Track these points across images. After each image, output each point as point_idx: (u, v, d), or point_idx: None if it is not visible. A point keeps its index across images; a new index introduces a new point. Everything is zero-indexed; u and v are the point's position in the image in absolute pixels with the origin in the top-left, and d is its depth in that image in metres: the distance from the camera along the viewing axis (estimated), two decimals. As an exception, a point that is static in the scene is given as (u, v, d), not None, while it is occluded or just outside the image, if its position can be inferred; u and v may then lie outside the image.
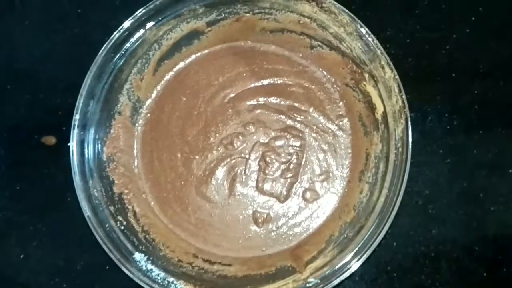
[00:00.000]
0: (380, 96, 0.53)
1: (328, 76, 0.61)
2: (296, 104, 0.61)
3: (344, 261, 0.51)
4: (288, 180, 0.59)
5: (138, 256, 0.53)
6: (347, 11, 0.53)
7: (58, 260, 0.62)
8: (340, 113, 0.60)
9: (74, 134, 0.53)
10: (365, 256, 0.51)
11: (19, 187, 0.63)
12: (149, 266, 0.53)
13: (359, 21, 0.52)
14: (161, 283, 0.52)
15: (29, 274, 0.62)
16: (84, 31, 0.65)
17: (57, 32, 0.66)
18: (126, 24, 0.54)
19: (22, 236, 0.62)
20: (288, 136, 0.60)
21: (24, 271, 0.62)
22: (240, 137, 0.60)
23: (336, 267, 0.51)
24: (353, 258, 0.51)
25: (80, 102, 0.53)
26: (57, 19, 0.66)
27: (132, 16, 0.54)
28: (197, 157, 0.60)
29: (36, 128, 0.64)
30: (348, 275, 0.51)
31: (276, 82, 0.61)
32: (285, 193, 0.59)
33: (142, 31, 0.55)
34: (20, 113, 0.65)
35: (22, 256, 0.62)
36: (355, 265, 0.51)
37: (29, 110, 0.65)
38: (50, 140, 0.63)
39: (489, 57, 0.64)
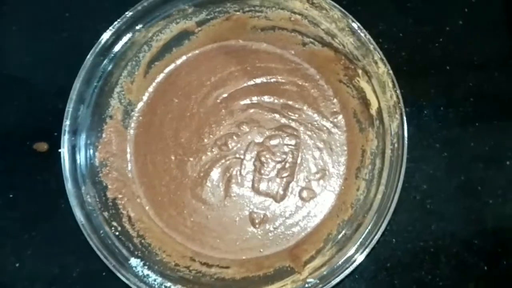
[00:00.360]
0: (374, 92, 0.53)
1: (321, 73, 0.60)
2: (290, 102, 0.60)
3: (342, 260, 0.51)
4: (284, 179, 0.58)
5: (134, 261, 0.52)
6: (338, 6, 0.52)
7: (54, 267, 0.61)
8: (335, 110, 0.60)
9: (65, 140, 0.52)
10: (364, 254, 0.50)
11: (12, 195, 0.62)
12: (146, 272, 0.52)
13: (350, 16, 0.52)
14: (158, 288, 0.51)
15: (25, 283, 0.61)
16: (72, 35, 0.64)
17: (45, 37, 0.65)
18: (114, 26, 0.53)
19: (17, 244, 0.62)
20: (282, 135, 0.59)
21: (20, 280, 0.61)
22: (234, 137, 0.59)
23: (335, 266, 0.51)
24: (351, 256, 0.50)
25: (70, 107, 0.52)
26: (45, 24, 0.65)
27: (120, 18, 0.53)
28: (191, 159, 0.59)
29: (27, 135, 0.63)
30: (347, 274, 0.50)
31: (269, 81, 0.60)
32: (281, 192, 0.58)
33: (131, 33, 0.54)
34: (11, 120, 0.64)
35: (17, 265, 0.61)
36: (354, 264, 0.50)
37: (20, 116, 0.64)
38: (42, 146, 0.62)
39: (483, 48, 0.64)
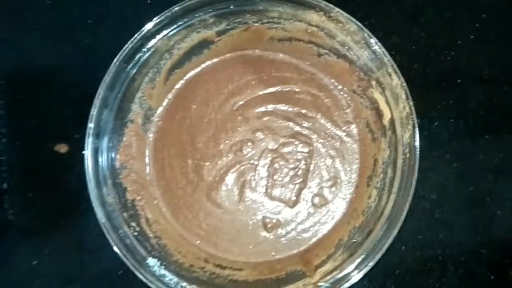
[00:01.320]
0: (388, 103, 0.54)
1: (336, 83, 0.62)
2: (304, 111, 0.62)
3: (353, 265, 0.52)
4: (297, 185, 0.60)
5: (151, 261, 0.54)
6: (354, 20, 0.54)
7: (71, 266, 0.62)
8: (348, 119, 0.61)
9: (89, 142, 0.54)
10: (374, 261, 0.52)
11: (31, 195, 0.64)
12: (162, 271, 0.54)
13: (366, 30, 0.53)
14: (174, 288, 0.53)
15: (42, 281, 0.62)
16: (94, 41, 0.66)
17: (67, 42, 0.67)
18: (139, 34, 0.55)
19: (35, 243, 0.63)
20: (296, 143, 0.61)
21: (38, 278, 0.62)
22: (249, 143, 0.61)
23: (346, 271, 0.52)
24: (362, 262, 0.52)
25: (94, 111, 0.54)
26: (68, 29, 0.67)
27: (145, 27, 0.55)
28: (207, 163, 0.60)
29: (48, 137, 0.64)
30: (357, 279, 0.52)
31: (284, 90, 0.62)
32: (294, 198, 0.60)
33: (154, 41, 0.56)
34: (32, 122, 0.65)
35: (35, 263, 0.62)
36: (364, 270, 0.52)
37: (41, 119, 0.65)
38: (63, 148, 0.64)
39: (494, 62, 0.65)
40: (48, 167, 0.64)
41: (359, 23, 0.54)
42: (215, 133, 0.61)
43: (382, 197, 0.55)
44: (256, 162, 0.61)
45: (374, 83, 0.56)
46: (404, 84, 0.53)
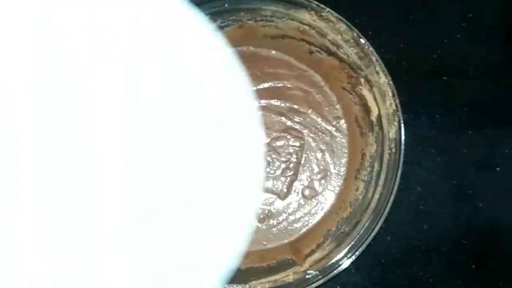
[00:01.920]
0: (375, 100, 0.56)
1: (326, 80, 0.64)
2: (296, 106, 0.63)
3: (341, 254, 0.54)
4: (288, 178, 0.62)
5: (148, 250, 0.56)
6: (344, 20, 0.55)
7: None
8: (337, 115, 0.64)
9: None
10: (360, 250, 0.54)
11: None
12: (159, 260, 0.56)
13: (355, 29, 0.55)
14: (171, 275, 0.55)
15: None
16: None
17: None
18: (136, 31, 0.56)
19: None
20: (288, 137, 0.63)
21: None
22: (242, 137, 0.63)
23: (334, 259, 0.54)
24: (349, 251, 0.54)
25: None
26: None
27: (142, 24, 0.56)
28: (202, 156, 0.62)
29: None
30: (345, 267, 0.54)
31: (276, 86, 0.64)
32: (285, 190, 0.62)
33: (151, 38, 0.57)
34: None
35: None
36: (351, 258, 0.54)
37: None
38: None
39: (479, 61, 0.67)
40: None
41: (348, 23, 0.55)
42: (209, 127, 0.63)
43: (369, 189, 0.57)
44: (249, 155, 0.63)
45: (362, 80, 0.57)
46: (391, 82, 0.55)
